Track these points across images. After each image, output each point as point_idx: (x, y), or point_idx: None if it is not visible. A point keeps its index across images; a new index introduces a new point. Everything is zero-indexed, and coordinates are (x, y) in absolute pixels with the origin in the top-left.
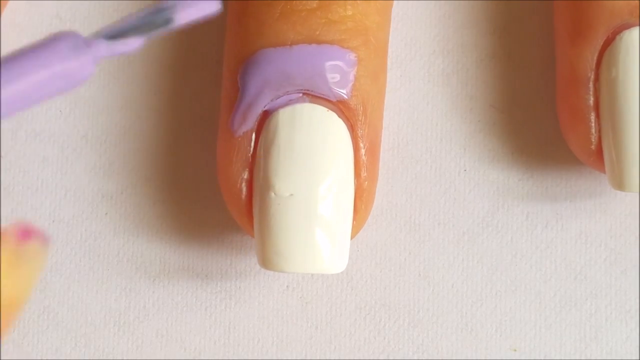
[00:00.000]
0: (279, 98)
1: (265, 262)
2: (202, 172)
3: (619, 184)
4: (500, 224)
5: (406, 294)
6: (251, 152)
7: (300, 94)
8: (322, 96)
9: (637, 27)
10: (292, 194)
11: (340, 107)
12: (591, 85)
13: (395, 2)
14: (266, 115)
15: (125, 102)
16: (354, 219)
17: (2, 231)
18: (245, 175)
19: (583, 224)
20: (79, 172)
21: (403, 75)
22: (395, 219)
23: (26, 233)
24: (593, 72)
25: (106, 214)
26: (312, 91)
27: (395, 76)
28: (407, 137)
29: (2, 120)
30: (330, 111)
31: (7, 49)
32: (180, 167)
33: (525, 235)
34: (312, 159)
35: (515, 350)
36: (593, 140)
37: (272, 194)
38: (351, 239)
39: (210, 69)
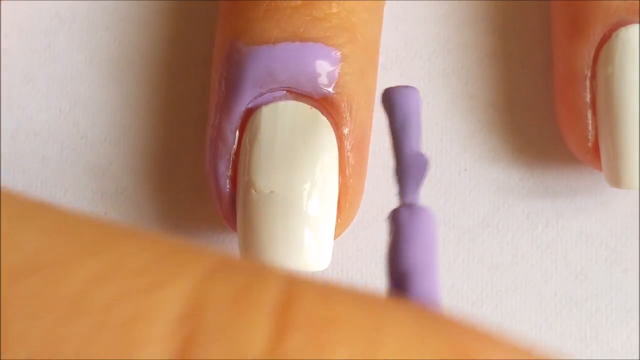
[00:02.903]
0: (262, 95)
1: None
2: (202, 171)
3: (616, 181)
4: (500, 224)
5: None
6: (234, 150)
7: (284, 92)
8: (305, 94)
9: (634, 25)
10: (272, 191)
11: (324, 104)
12: (588, 82)
13: (395, 1)
14: (250, 113)
15: (125, 102)
16: (339, 217)
17: None
18: (229, 172)
19: (584, 223)
20: (79, 172)
21: (403, 75)
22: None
23: None
24: (590, 70)
25: (105, 213)
26: (295, 89)
27: (395, 76)
28: None
29: (1, 119)
30: (313, 108)
31: (7, 49)
32: (179, 166)
33: (525, 235)
34: (294, 156)
35: None
36: (590, 137)
37: (253, 191)
38: (337, 237)
39: (210, 69)
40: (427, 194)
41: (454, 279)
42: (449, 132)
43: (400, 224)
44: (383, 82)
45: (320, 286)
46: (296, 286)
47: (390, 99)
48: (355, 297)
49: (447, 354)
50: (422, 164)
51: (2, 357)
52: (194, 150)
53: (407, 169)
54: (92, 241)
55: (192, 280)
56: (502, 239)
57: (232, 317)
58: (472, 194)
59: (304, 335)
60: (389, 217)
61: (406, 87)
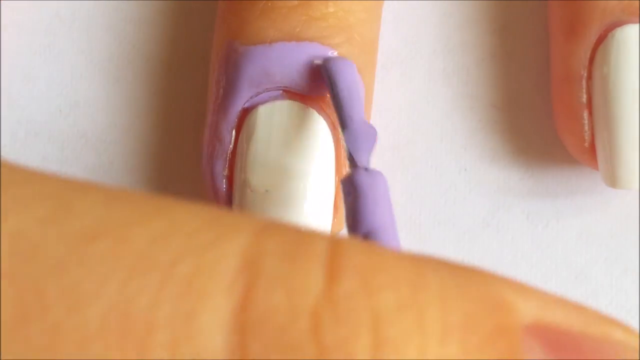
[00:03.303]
0: (258, 95)
1: None
2: (201, 171)
3: (612, 181)
4: (500, 224)
5: None
6: (231, 149)
7: (280, 91)
8: (301, 93)
9: (629, 25)
10: (267, 190)
11: (321, 103)
12: (584, 82)
13: (395, 1)
14: (246, 113)
15: (124, 102)
16: (335, 217)
17: None
18: (226, 172)
19: (584, 224)
20: (79, 172)
21: (403, 75)
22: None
23: None
24: (586, 70)
25: None
26: (291, 88)
27: (395, 76)
28: (407, 136)
29: (1, 119)
30: (309, 108)
31: (7, 49)
32: (180, 167)
33: (525, 235)
34: (289, 156)
35: None
36: (586, 137)
37: (249, 190)
38: None
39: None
40: (427, 194)
41: None
42: (449, 132)
43: (361, 187)
44: (383, 82)
45: (362, 243)
46: (342, 240)
47: (332, 69)
48: (394, 251)
49: (485, 301)
50: (372, 132)
51: (80, 313)
52: (194, 150)
53: (358, 135)
54: (147, 208)
55: (246, 237)
56: (502, 239)
57: (287, 266)
58: (472, 194)
59: (353, 280)
60: (344, 182)
61: (343, 59)
